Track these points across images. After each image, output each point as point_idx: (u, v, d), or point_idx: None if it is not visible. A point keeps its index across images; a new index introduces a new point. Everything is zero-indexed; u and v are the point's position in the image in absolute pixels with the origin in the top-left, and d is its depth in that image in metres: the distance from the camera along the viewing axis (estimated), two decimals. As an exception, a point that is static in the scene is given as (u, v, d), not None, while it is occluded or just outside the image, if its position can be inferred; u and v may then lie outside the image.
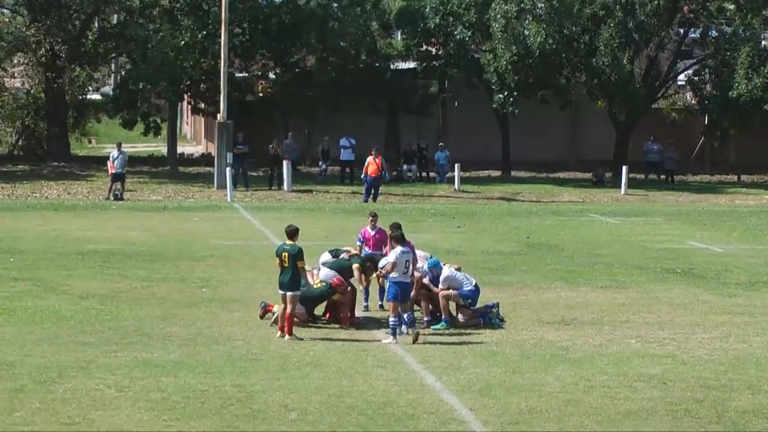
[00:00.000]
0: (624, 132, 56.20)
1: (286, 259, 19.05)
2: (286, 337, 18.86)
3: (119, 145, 45.33)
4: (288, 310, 18.99)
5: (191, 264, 26.89)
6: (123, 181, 44.35)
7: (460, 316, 20.48)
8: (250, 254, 28.66)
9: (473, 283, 20.59)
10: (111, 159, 44.31)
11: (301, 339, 18.85)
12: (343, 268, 20.62)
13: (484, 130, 57.70)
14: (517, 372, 16.79)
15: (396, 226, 20.14)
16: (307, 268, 19.87)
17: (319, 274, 20.70)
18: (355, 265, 20.67)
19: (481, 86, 54.71)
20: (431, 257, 21.11)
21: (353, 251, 21.63)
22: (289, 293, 19.03)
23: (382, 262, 19.98)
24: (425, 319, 20.33)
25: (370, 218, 22.45)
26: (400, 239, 19.55)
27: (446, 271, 20.50)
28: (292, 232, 19.47)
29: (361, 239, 22.32)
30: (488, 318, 20.40)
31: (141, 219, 36.81)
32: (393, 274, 19.05)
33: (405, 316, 19.17)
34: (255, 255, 28.56)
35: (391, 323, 18.88)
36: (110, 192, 43.95)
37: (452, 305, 20.44)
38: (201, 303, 21.84)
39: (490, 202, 46.03)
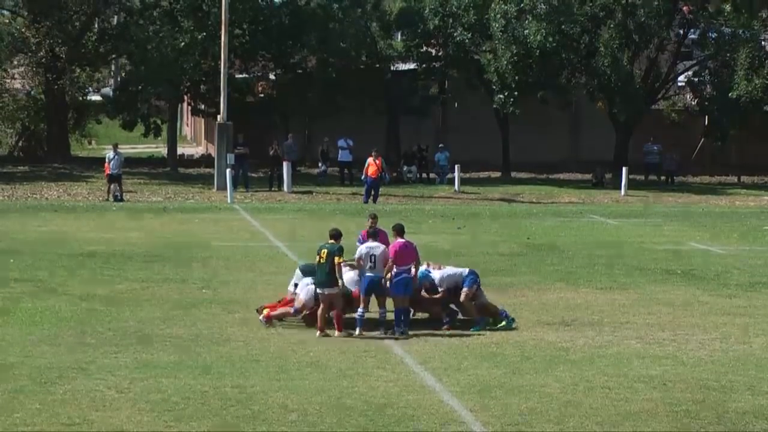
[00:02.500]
0: (624, 133, 56.21)
1: (324, 256, 19.28)
2: (336, 333, 19.13)
3: (115, 146, 45.28)
4: (336, 310, 19.27)
5: (191, 265, 26.88)
6: (120, 182, 44.30)
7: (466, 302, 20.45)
8: (250, 255, 28.67)
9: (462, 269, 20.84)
10: (107, 160, 44.29)
11: (350, 334, 19.12)
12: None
13: (484, 132, 57.71)
14: (517, 373, 16.79)
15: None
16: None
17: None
18: (337, 259, 20.22)
19: (481, 87, 54.73)
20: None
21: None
22: (326, 290, 19.29)
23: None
24: (445, 320, 20.35)
25: (370, 219, 22.42)
26: (373, 234, 20.08)
27: (436, 274, 20.52)
28: (335, 235, 19.68)
29: (361, 240, 22.27)
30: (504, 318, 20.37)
31: (141, 220, 36.81)
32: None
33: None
34: (255, 256, 28.57)
35: (357, 314, 19.50)
36: (108, 193, 43.95)
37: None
38: (201, 304, 21.84)
39: (490, 204, 46.02)
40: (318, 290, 19.52)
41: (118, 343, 18.20)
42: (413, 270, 19.77)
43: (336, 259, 19.21)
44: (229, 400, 14.96)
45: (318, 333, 19.17)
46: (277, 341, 18.74)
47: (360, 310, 19.52)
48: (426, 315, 20.77)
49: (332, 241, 19.52)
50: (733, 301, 23.42)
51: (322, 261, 19.34)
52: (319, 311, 19.36)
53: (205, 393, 15.26)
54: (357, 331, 19.34)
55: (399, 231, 20.12)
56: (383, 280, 19.74)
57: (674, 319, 21.36)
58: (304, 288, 20.00)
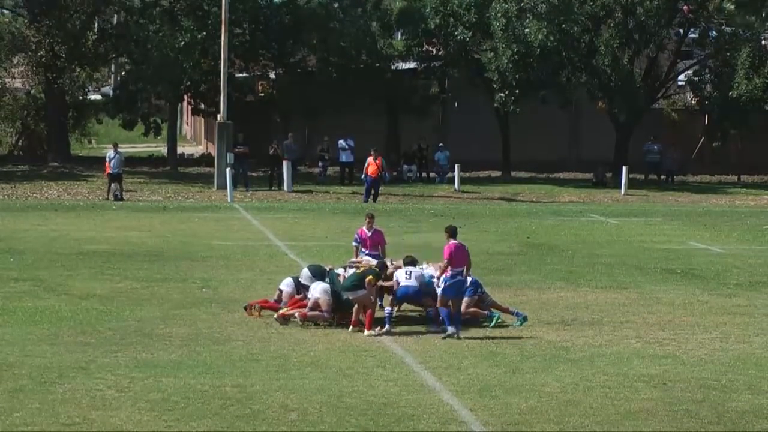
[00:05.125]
0: (624, 132, 56.18)
1: (362, 269, 19.98)
2: (366, 332, 19.32)
3: (115, 146, 45.47)
4: (368, 311, 19.53)
5: (191, 264, 26.89)
6: (120, 181, 44.41)
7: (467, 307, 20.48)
8: (250, 254, 28.67)
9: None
10: (107, 159, 44.44)
11: (378, 335, 19.27)
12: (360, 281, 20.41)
13: (484, 131, 57.67)
14: (517, 372, 16.79)
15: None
16: (338, 272, 20.70)
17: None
18: (368, 278, 20.02)
19: (482, 85, 54.70)
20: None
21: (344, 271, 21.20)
22: (351, 294, 19.63)
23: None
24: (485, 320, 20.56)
25: (368, 219, 22.44)
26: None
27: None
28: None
29: (358, 239, 22.31)
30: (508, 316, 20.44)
31: (141, 219, 36.81)
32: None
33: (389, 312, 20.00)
34: (255, 255, 28.58)
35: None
36: (109, 192, 44.01)
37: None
38: (201, 303, 21.84)
39: (490, 203, 46.03)
40: (344, 294, 19.77)
41: (118, 343, 18.21)
42: (465, 272, 19.74)
43: (369, 278, 19.54)
44: (229, 399, 14.97)
45: (351, 328, 19.58)
46: (277, 341, 18.75)
47: (388, 309, 19.85)
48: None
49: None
50: (733, 301, 23.43)
51: (357, 272, 19.86)
52: (354, 309, 19.67)
53: (205, 392, 15.26)
54: (386, 328, 19.58)
55: (452, 233, 20.04)
56: (435, 280, 19.86)
57: (674, 318, 21.36)
58: (319, 290, 20.01)
